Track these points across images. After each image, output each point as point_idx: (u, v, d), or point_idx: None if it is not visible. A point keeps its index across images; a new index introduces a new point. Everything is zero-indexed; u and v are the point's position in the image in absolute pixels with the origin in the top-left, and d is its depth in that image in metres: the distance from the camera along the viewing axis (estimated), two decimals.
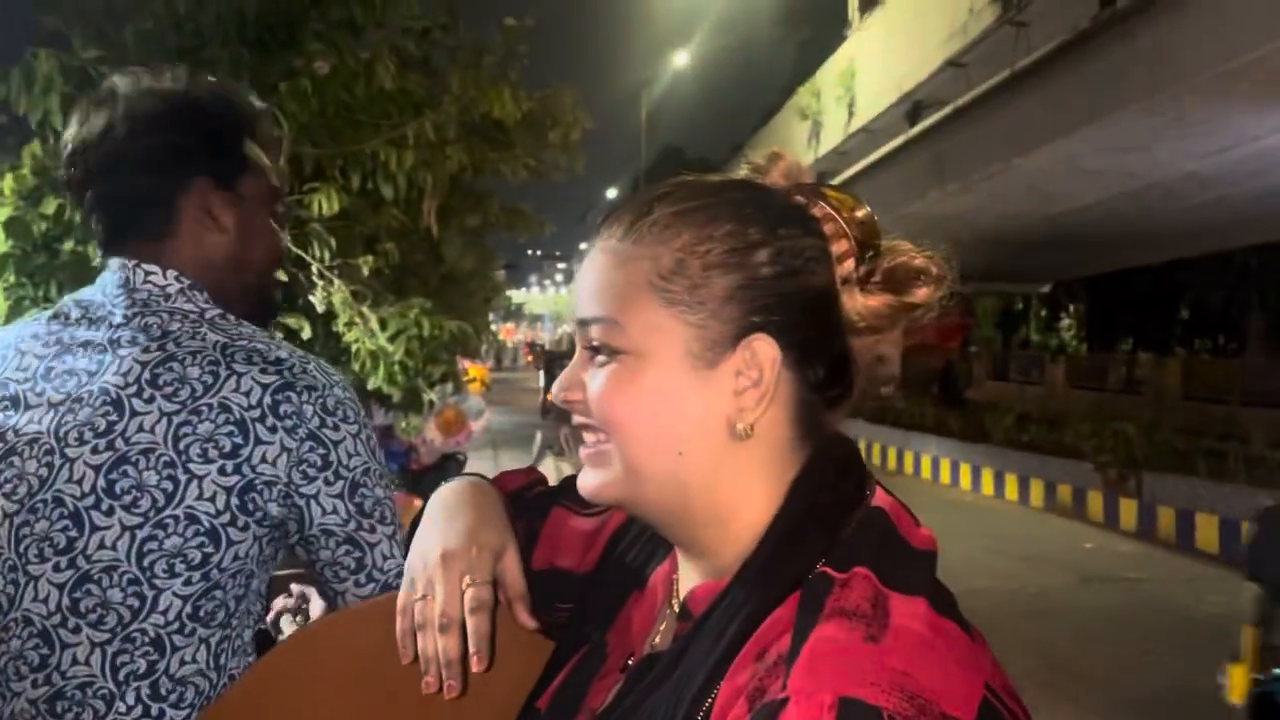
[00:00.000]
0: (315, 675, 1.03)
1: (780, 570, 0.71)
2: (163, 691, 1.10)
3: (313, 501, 1.14)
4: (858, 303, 0.77)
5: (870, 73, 17.90)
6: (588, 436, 0.79)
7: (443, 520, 0.92)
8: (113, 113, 1.22)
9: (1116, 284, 26.98)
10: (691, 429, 0.74)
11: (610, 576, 0.89)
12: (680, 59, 41.42)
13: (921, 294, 0.77)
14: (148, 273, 1.21)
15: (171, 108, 1.22)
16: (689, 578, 0.80)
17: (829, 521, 0.72)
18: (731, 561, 0.74)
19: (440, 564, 0.87)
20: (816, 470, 0.76)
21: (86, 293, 1.24)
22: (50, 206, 2.92)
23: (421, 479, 6.47)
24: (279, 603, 1.50)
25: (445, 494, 0.97)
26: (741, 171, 0.83)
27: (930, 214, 15.22)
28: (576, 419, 0.79)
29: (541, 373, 32.81)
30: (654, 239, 0.75)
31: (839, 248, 0.77)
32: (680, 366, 0.74)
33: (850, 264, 0.78)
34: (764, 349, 0.74)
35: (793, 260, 0.75)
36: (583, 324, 0.77)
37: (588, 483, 0.79)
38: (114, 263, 1.24)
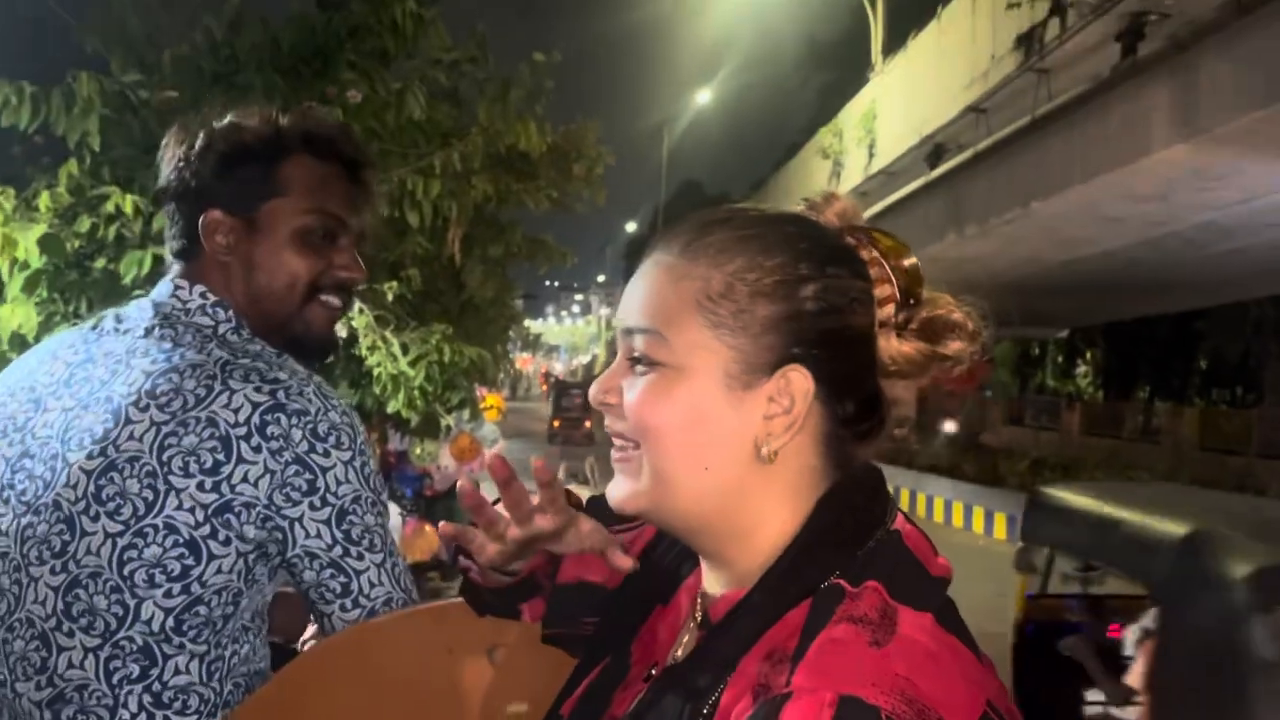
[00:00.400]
0: (335, 687, 1.05)
1: (796, 579, 0.73)
2: (165, 699, 1.10)
3: (296, 524, 1.12)
4: (892, 347, 0.80)
5: (891, 115, 17.98)
6: (617, 442, 0.81)
7: None
8: (175, 143, 1.28)
9: (1134, 332, 26.85)
10: (720, 447, 0.77)
11: (637, 590, 0.91)
12: (702, 97, 41.71)
13: (954, 347, 0.80)
14: (176, 287, 1.25)
15: (200, 140, 1.26)
16: (712, 589, 0.82)
17: (849, 539, 0.75)
18: (753, 572, 0.76)
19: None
20: (842, 492, 0.78)
21: (129, 306, 1.28)
22: (84, 225, 2.98)
23: (435, 505, 6.48)
24: (311, 629, 1.51)
25: None
26: (798, 207, 0.85)
27: (948, 257, 15.23)
28: (608, 423, 0.81)
29: (550, 402, 33.04)
30: (709, 260, 0.77)
31: (882, 292, 0.80)
32: (717, 386, 0.76)
33: (890, 309, 0.80)
34: (798, 380, 0.76)
35: (838, 299, 0.77)
36: (627, 332, 0.80)
37: (616, 492, 0.81)
38: (167, 275, 1.29)
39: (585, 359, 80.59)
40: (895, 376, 0.81)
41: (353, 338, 3.49)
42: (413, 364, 3.48)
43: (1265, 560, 2.76)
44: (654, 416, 0.77)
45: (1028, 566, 4.81)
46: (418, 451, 5.83)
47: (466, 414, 4.47)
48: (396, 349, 3.49)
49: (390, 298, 3.62)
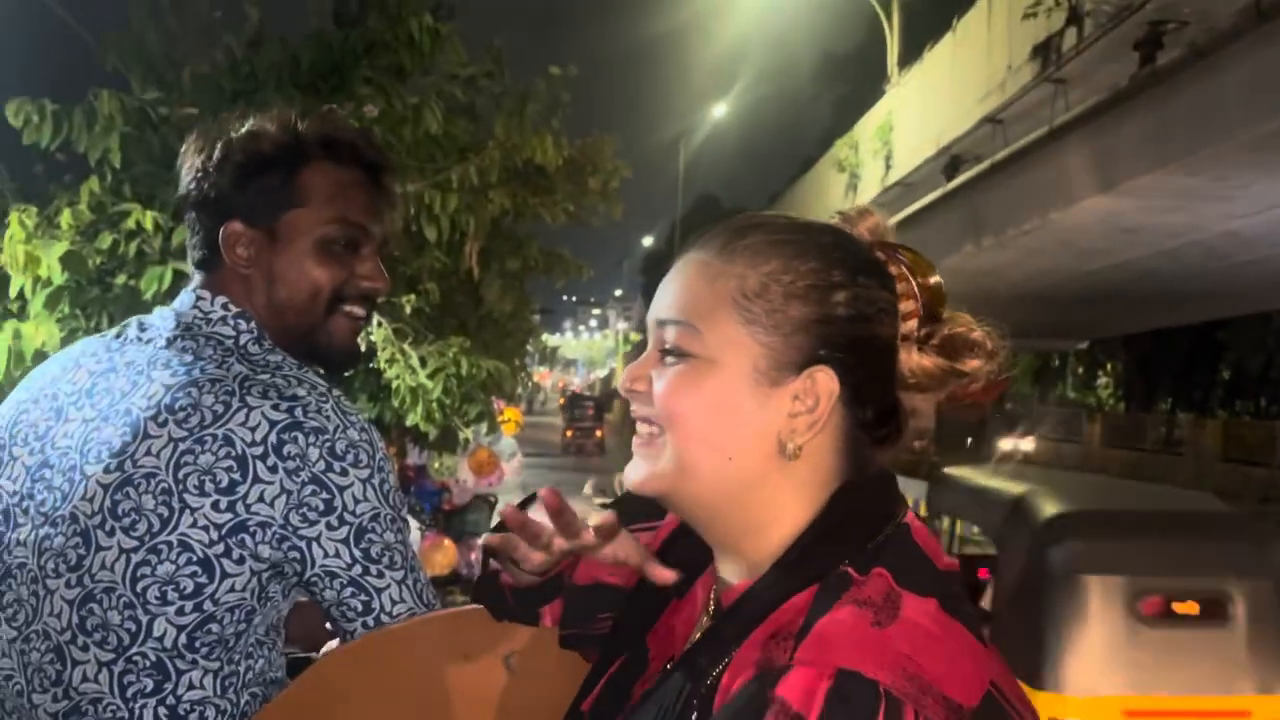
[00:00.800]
0: (351, 694, 1.05)
1: (805, 567, 0.76)
2: (180, 712, 1.10)
3: (314, 544, 1.11)
4: (913, 360, 0.83)
5: (908, 127, 17.97)
6: (642, 427, 0.84)
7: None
8: (195, 151, 1.27)
9: (1156, 343, 26.68)
10: (743, 438, 0.79)
11: (653, 588, 0.92)
12: (718, 110, 41.82)
13: (972, 364, 0.83)
14: (198, 298, 1.24)
15: (218, 150, 1.24)
16: (725, 580, 0.84)
17: (859, 532, 0.77)
18: (764, 563, 0.79)
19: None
20: (855, 489, 0.81)
21: (153, 314, 1.27)
22: (105, 241, 3.01)
23: (453, 519, 6.51)
24: (331, 645, 1.50)
25: None
26: (832, 219, 0.89)
27: (966, 269, 15.18)
28: (635, 409, 0.84)
29: (563, 413, 33.78)
30: (745, 260, 0.81)
31: (906, 306, 0.83)
32: (744, 380, 0.79)
33: (914, 323, 0.83)
34: (824, 381, 0.79)
35: (866, 307, 0.80)
36: (661, 324, 0.83)
37: (635, 474, 0.83)
38: (188, 286, 1.27)
39: (603, 373, 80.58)
40: (914, 389, 0.83)
41: (371, 351, 3.51)
42: (431, 377, 3.49)
43: (1061, 509, 4.05)
44: (682, 405, 0.80)
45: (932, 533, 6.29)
46: (436, 466, 5.85)
47: (484, 428, 4.49)
48: (415, 362, 3.51)
49: (408, 311, 3.64)
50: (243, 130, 1.26)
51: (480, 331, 4.86)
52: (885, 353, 0.82)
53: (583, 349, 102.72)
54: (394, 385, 3.52)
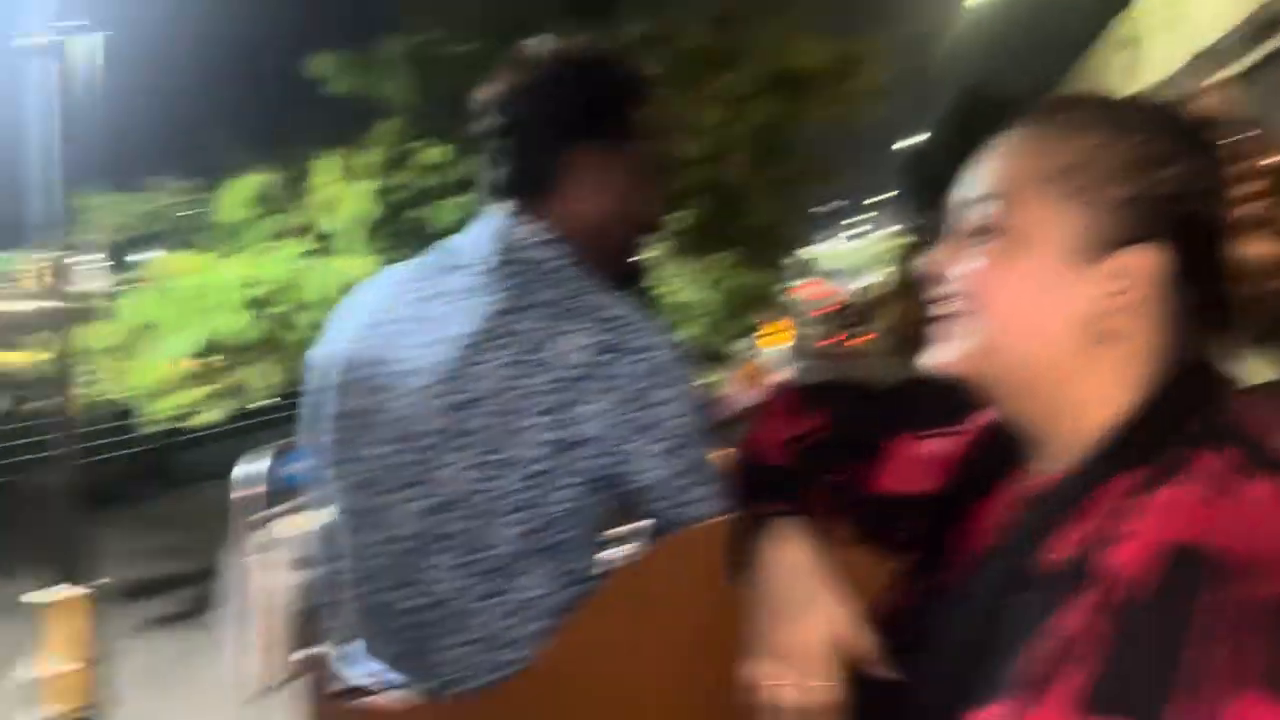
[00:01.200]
0: (655, 588, 1.12)
1: (1129, 451, 0.72)
2: (518, 609, 1.20)
3: (633, 459, 1.17)
4: (1250, 246, 0.76)
5: None
6: (946, 308, 0.81)
7: (784, 606, 0.94)
8: (517, 76, 1.32)
9: None
10: (1055, 320, 0.76)
11: (958, 490, 0.91)
12: None
13: None
14: (516, 223, 1.29)
15: (564, 72, 1.31)
16: (1036, 472, 0.81)
17: (1187, 415, 0.73)
18: (1080, 449, 0.76)
19: (794, 658, 0.91)
20: (1178, 373, 0.76)
21: (456, 239, 1.35)
22: (402, 178, 3.25)
23: (721, 432, 6.64)
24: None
25: (773, 572, 0.96)
26: (1169, 98, 0.83)
27: None
28: (939, 290, 0.82)
29: (826, 322, 33.78)
30: (1061, 136, 0.77)
31: (1246, 189, 0.76)
32: (1057, 259, 0.76)
33: (1252, 207, 0.76)
34: (1142, 261, 0.74)
35: (1193, 185, 0.75)
36: (968, 204, 0.81)
37: (942, 355, 0.81)
38: (493, 212, 1.34)
39: (866, 281, 78.55)
40: (1244, 280, 0.76)
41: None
42: (700, 292, 3.57)
43: None
44: (991, 285, 0.78)
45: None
46: (706, 379, 5.98)
47: (751, 341, 4.54)
48: (685, 278, 3.59)
49: (677, 229, 3.71)
50: (578, 58, 1.33)
51: (745, 244, 4.88)
52: (1213, 235, 0.75)
53: (845, 258, 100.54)
54: (666, 302, 3.62)
